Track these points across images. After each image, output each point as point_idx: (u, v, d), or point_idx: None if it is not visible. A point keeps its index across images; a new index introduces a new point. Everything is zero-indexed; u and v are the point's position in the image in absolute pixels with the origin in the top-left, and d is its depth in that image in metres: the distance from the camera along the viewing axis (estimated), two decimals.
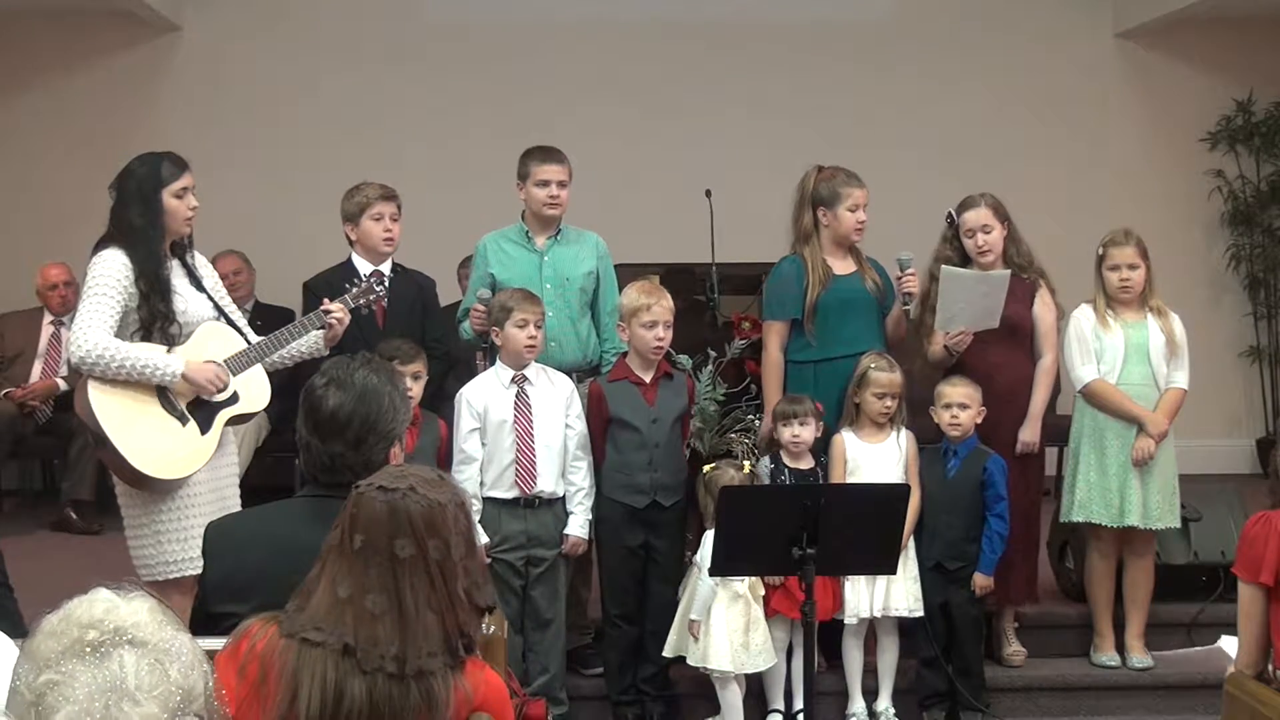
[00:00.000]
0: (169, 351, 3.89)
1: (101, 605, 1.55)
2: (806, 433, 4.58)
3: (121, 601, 1.57)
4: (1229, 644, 3.47)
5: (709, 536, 4.33)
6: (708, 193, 6.33)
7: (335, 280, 4.65)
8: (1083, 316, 4.82)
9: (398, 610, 2.05)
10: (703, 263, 6.30)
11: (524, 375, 4.50)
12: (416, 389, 4.41)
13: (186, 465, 3.89)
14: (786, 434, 4.59)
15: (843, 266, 4.85)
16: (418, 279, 4.95)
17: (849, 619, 4.61)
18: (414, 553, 2.07)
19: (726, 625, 4.38)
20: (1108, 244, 4.81)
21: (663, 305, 4.48)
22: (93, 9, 7.44)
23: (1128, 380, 4.75)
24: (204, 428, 3.94)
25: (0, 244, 7.44)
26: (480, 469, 4.47)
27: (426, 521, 2.09)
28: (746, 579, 4.38)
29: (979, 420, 4.65)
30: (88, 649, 1.50)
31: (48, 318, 6.90)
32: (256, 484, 5.45)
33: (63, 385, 6.65)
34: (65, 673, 1.48)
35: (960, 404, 4.61)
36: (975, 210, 4.82)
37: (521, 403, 4.48)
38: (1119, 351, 4.75)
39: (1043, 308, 4.86)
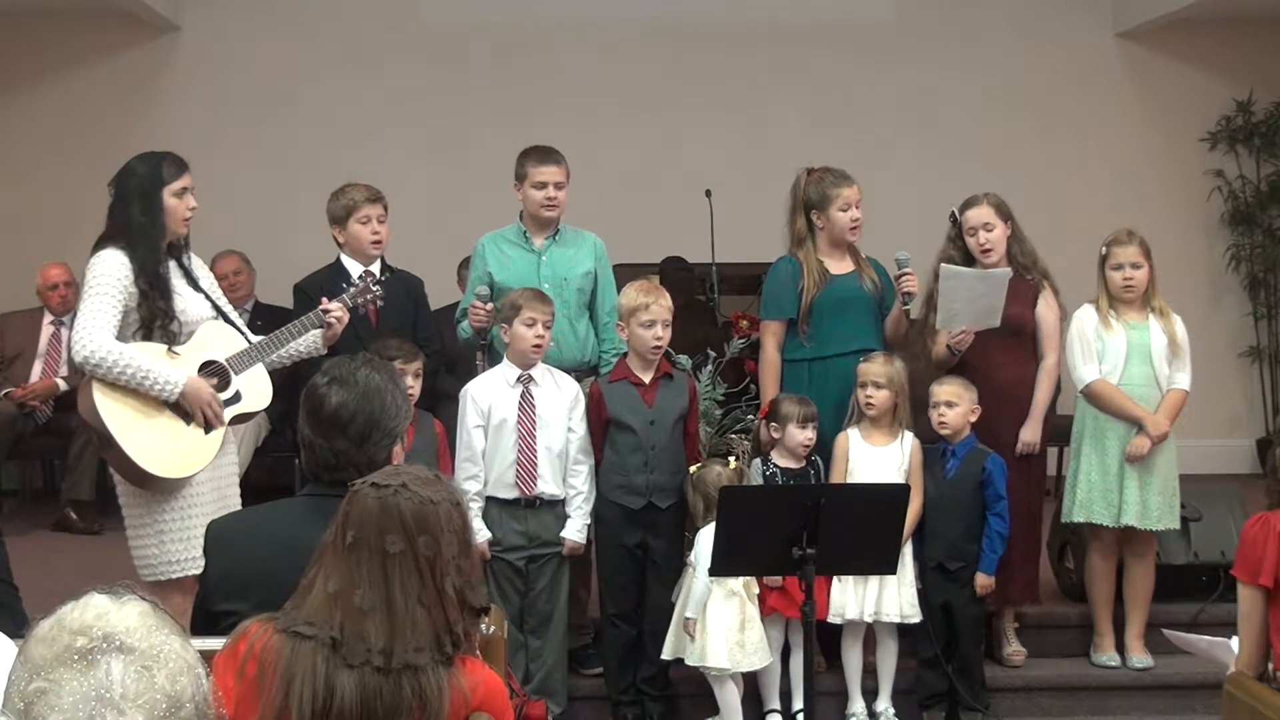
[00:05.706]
0: (170, 350, 3.89)
1: (93, 610, 1.56)
2: (813, 435, 4.59)
3: (113, 606, 1.57)
4: (1237, 645, 3.47)
5: (702, 535, 4.33)
6: (708, 193, 6.34)
7: (326, 281, 4.65)
8: (1085, 316, 4.81)
9: (386, 606, 2.05)
10: (702, 262, 6.31)
11: (530, 375, 4.49)
12: (417, 387, 4.42)
13: (191, 464, 3.90)
14: (801, 436, 4.57)
15: (840, 266, 4.85)
16: (407, 279, 4.94)
17: (834, 618, 4.59)
18: (404, 549, 2.07)
19: (721, 623, 4.37)
20: (1111, 243, 4.81)
21: (661, 304, 4.47)
22: (93, 9, 7.44)
23: (1129, 380, 4.75)
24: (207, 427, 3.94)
25: (0, 244, 7.45)
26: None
27: (417, 518, 2.10)
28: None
29: (973, 419, 4.64)
30: (76, 656, 1.51)
31: (48, 318, 6.90)
32: (256, 484, 5.44)
33: (63, 385, 6.65)
34: (54, 680, 1.49)
35: (946, 402, 4.61)
36: (977, 208, 4.82)
37: (526, 403, 4.48)
38: (1121, 352, 4.75)
39: (1045, 309, 4.86)
